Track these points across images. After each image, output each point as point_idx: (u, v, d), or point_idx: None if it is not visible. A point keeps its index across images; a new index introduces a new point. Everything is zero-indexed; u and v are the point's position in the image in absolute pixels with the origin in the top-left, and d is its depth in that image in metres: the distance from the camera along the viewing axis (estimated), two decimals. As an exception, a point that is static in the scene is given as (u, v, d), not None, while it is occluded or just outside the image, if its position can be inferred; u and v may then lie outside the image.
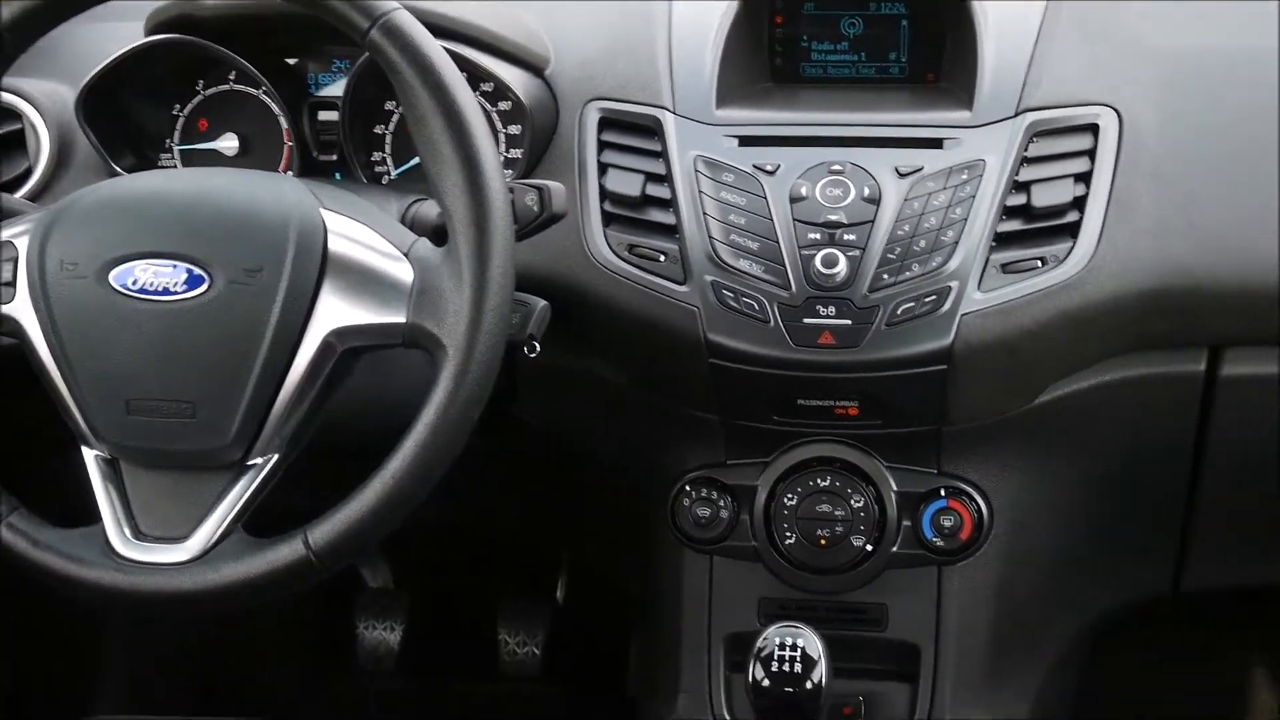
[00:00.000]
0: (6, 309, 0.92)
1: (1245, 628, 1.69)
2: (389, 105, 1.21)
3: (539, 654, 1.70)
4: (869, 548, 1.09)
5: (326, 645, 1.81)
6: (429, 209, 1.00)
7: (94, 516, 0.94)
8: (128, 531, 0.91)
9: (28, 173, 1.21)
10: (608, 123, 1.10)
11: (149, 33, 1.18)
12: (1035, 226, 1.02)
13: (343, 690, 1.65)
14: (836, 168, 1.03)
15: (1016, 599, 1.20)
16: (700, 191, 1.04)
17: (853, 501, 1.09)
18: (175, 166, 1.27)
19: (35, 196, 1.20)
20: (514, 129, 1.15)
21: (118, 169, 1.20)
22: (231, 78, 1.24)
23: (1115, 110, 1.06)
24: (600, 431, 1.26)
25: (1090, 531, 1.24)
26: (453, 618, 1.81)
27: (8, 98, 1.16)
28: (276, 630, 1.73)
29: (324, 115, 1.23)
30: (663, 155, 1.07)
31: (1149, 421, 1.16)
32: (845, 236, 1.01)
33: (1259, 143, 1.12)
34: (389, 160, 1.21)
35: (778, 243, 1.01)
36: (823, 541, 1.09)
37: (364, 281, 0.89)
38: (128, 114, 1.23)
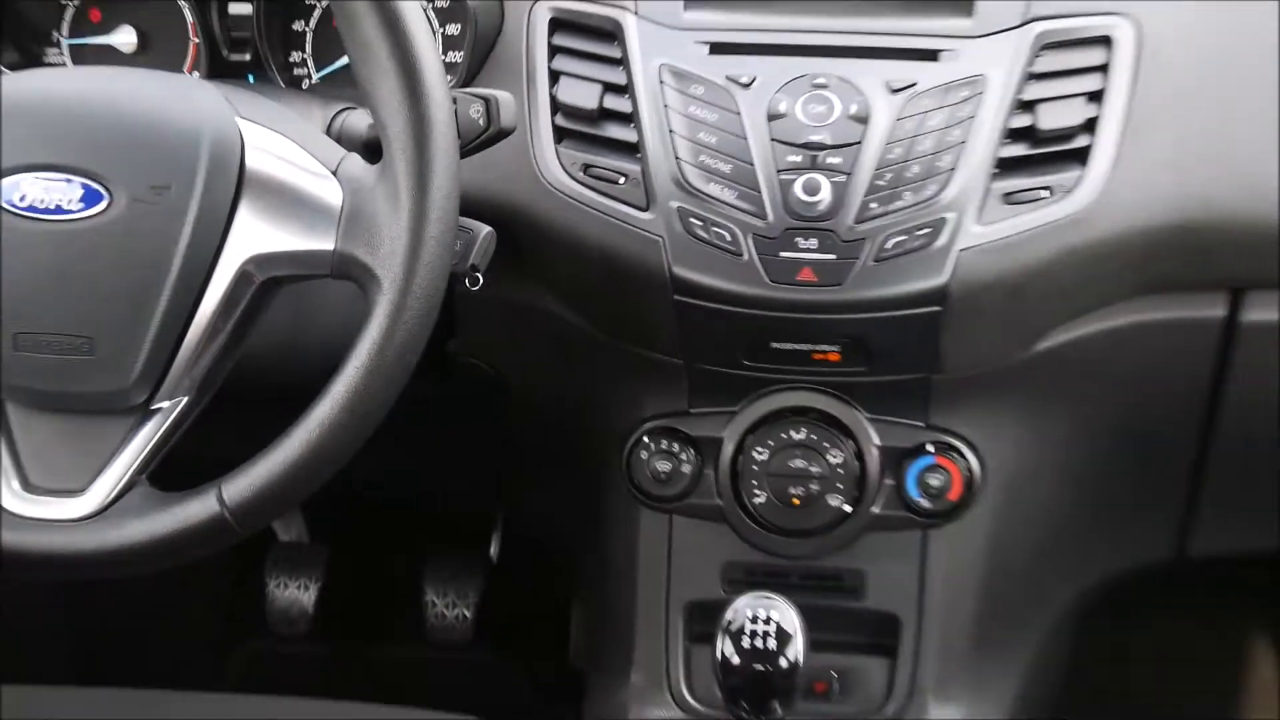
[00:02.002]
0: None
1: (1246, 596, 1.62)
2: (309, 0, 1.13)
3: (470, 617, 1.58)
4: (847, 508, 1.02)
5: (232, 606, 1.71)
6: (358, 119, 0.91)
7: None
8: (16, 484, 0.83)
9: None
10: (560, 24, 1.01)
11: None
12: (1042, 152, 0.93)
13: (250, 656, 1.55)
14: (820, 81, 0.94)
15: (1008, 566, 1.12)
16: (666, 105, 0.95)
17: (830, 457, 1.01)
18: (64, 64, 1.16)
19: None
20: (453, 28, 1.07)
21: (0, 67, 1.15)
22: None
23: (1133, 20, 0.97)
24: (548, 374, 1.16)
25: (1090, 492, 1.16)
26: (374, 576, 1.70)
27: None
28: (173, 588, 1.61)
29: (235, 9, 1.13)
30: (623, 63, 0.98)
31: (1161, 371, 1.08)
32: (829, 160, 0.91)
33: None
34: (310, 62, 1.11)
35: (753, 165, 0.92)
36: (795, 501, 1.01)
37: (286, 203, 0.80)
38: (7, 3, 1.16)
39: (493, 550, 1.63)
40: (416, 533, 1.69)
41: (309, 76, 1.11)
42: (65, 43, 1.16)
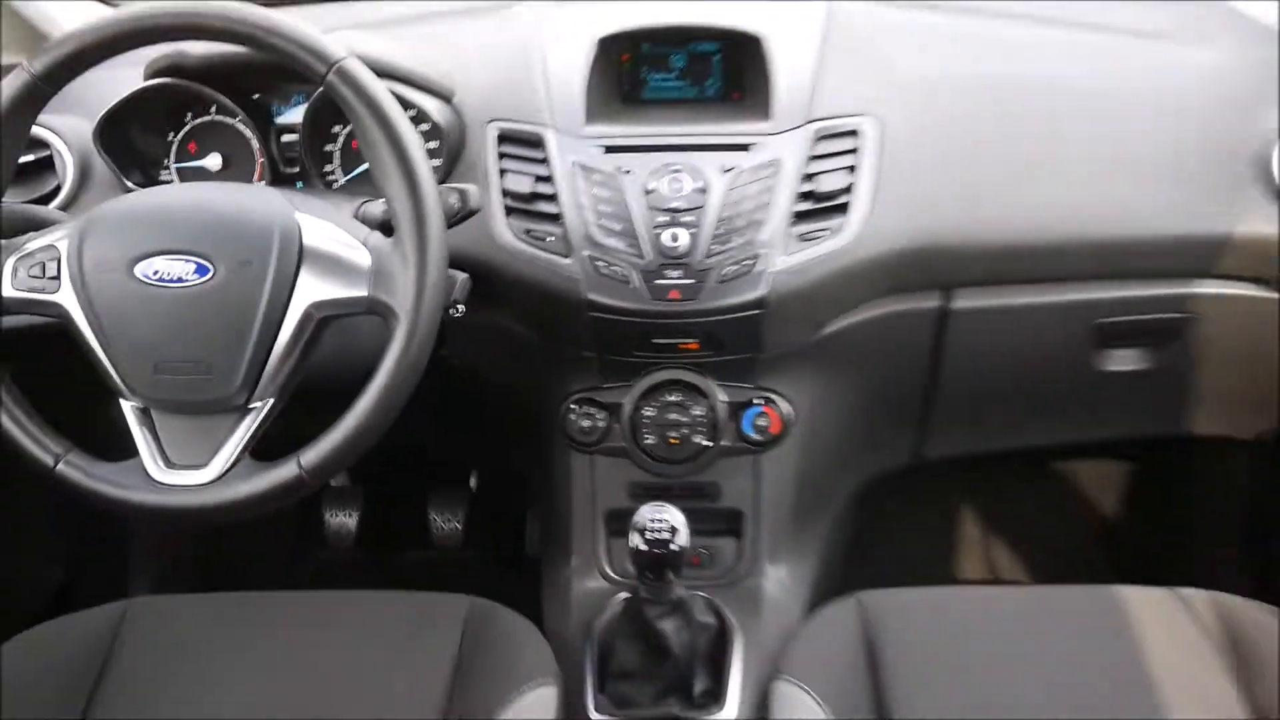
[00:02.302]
0: (53, 297, 1.04)
1: (960, 484, 1.96)
2: (335, 129, 1.33)
3: (460, 528, 1.90)
4: (706, 444, 1.29)
5: (300, 530, 1.97)
6: (374, 207, 1.12)
7: (132, 452, 1.06)
8: (160, 462, 1.04)
9: (56, 189, 1.32)
10: (504, 138, 1.24)
11: (147, 77, 1.29)
12: (820, 207, 1.19)
13: (316, 565, 1.76)
14: (676, 168, 1.19)
15: (810, 473, 1.39)
16: (577, 188, 1.19)
17: (694, 411, 1.28)
18: (172, 181, 1.37)
19: (64, 208, 1.32)
20: (432, 144, 1.26)
21: (129, 184, 1.31)
22: (213, 110, 1.34)
23: (876, 119, 1.23)
24: (508, 367, 1.39)
25: (861, 423, 1.45)
26: (394, 505, 1.97)
27: (39, 131, 1.26)
28: (268, 520, 1.95)
29: (286, 138, 1.35)
30: (546, 161, 1.21)
31: (902, 343, 1.36)
32: (684, 218, 1.17)
33: (978, 142, 1.31)
34: (339, 170, 1.33)
35: (634, 225, 1.17)
36: (673, 441, 1.29)
37: (333, 266, 1.02)
38: (133, 141, 1.33)
39: (472, 483, 1.94)
40: (422, 474, 1.99)
41: (338, 180, 1.33)
42: (174, 167, 1.36)
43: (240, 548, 1.88)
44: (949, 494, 1.96)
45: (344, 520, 1.93)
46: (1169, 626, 1.20)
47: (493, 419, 1.57)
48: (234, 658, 1.23)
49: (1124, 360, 1.41)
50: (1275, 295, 1.33)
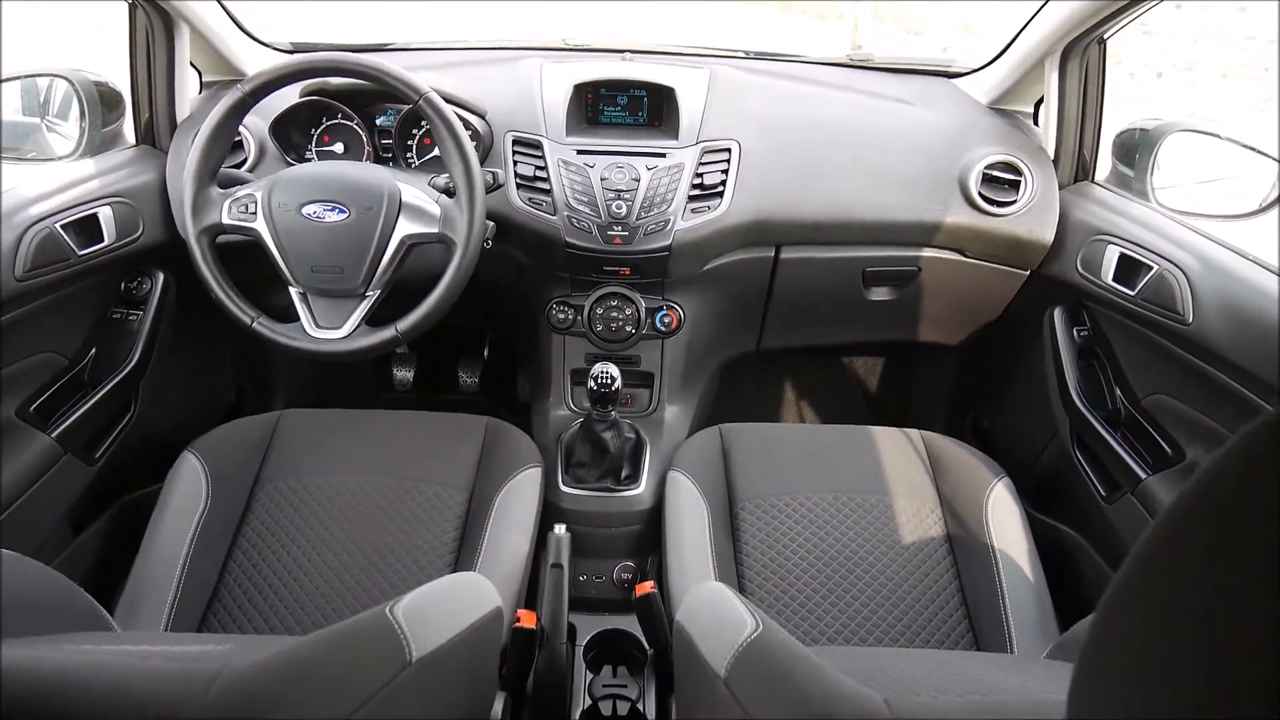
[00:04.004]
0: (252, 224, 1.26)
1: (785, 369, 2.22)
2: (414, 131, 1.56)
3: (477, 381, 2.17)
4: (633, 330, 1.57)
5: (379, 376, 2.19)
6: (440, 180, 1.32)
7: (294, 319, 1.28)
8: (312, 324, 1.27)
9: (243, 161, 1.53)
10: (516, 142, 1.48)
11: (301, 95, 1.52)
12: (705, 193, 1.47)
13: (387, 398, 1.85)
14: (621, 165, 1.47)
15: (693, 351, 1.66)
16: (560, 174, 1.45)
17: (626, 311, 1.55)
18: (314, 160, 1.56)
19: (251, 170, 1.52)
20: (474, 143, 1.45)
21: (288, 160, 1.52)
22: (339, 117, 1.56)
23: (738, 142, 1.50)
24: (515, 280, 1.59)
25: (723, 323, 1.69)
26: (436, 364, 2.18)
27: (240, 128, 1.40)
28: (358, 369, 2.00)
29: (383, 140, 1.57)
30: (542, 157, 1.46)
31: (749, 276, 1.61)
32: (625, 195, 1.44)
33: (796, 158, 1.56)
34: (415, 157, 1.55)
35: (596, 198, 1.44)
36: (614, 328, 1.57)
37: (418, 213, 1.26)
38: (290, 134, 1.54)
39: (485, 353, 2.20)
40: (453, 346, 2.23)
41: (414, 163, 1.55)
42: (314, 150, 1.58)
43: (343, 388, 2.06)
44: (776, 372, 2.19)
45: (404, 374, 2.14)
46: (899, 449, 1.52)
47: (503, 311, 1.76)
48: (345, 446, 1.41)
49: (880, 294, 1.71)
50: (966, 259, 1.66)
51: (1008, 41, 1.75)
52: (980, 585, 1.30)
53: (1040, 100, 1.77)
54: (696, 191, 1.47)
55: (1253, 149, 1.64)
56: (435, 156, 1.50)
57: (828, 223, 1.57)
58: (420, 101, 1.24)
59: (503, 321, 1.84)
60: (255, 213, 1.27)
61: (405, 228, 1.25)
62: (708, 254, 1.54)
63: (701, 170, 1.49)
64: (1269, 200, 1.63)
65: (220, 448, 1.39)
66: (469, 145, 1.26)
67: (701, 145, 1.50)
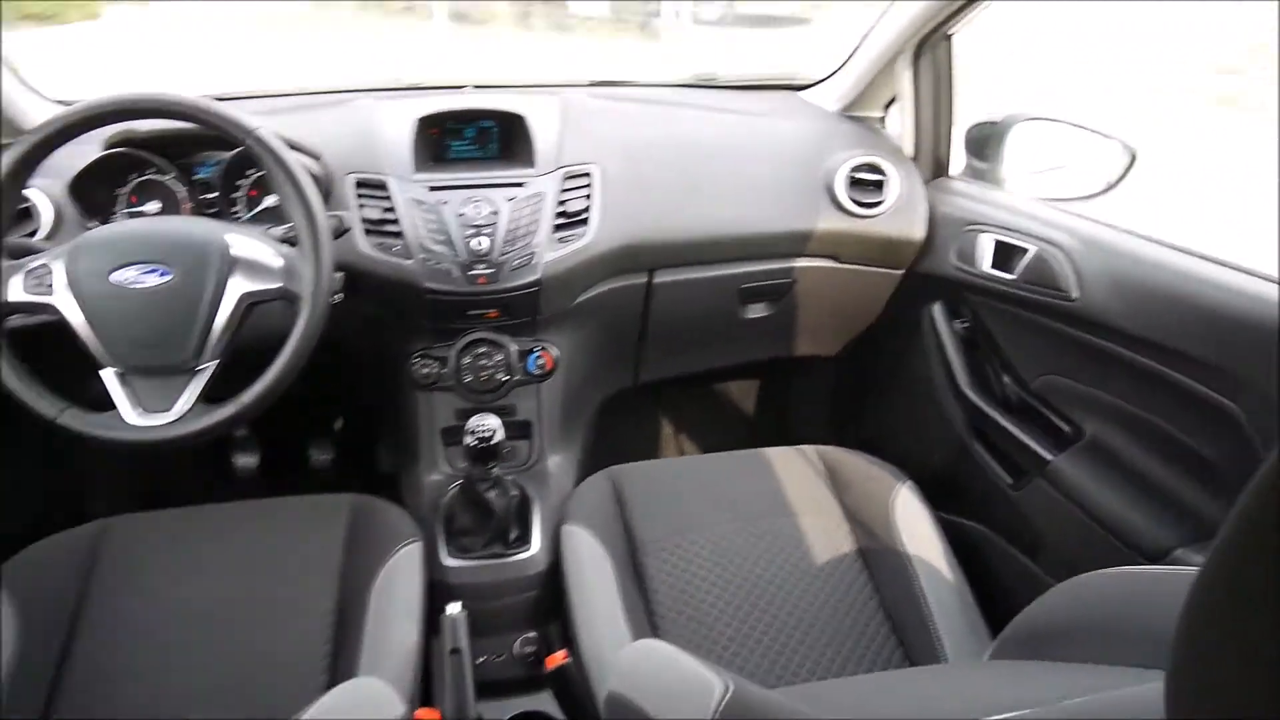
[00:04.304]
0: (50, 300, 1.12)
1: (665, 402, 2.22)
2: (240, 182, 1.44)
3: (331, 456, 2.01)
4: (505, 378, 1.48)
5: (216, 467, 1.99)
6: (278, 231, 1.24)
7: (110, 407, 1.14)
8: (136, 410, 1.14)
9: (34, 231, 1.36)
10: (359, 184, 1.40)
11: (104, 147, 1.37)
12: (570, 221, 1.42)
13: (227, 490, 1.65)
14: (477, 199, 1.39)
15: (571, 393, 1.59)
16: (412, 214, 1.37)
17: (496, 357, 1.46)
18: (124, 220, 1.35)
19: (47, 240, 1.34)
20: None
21: (88, 225, 1.35)
22: (151, 171, 1.42)
23: (599, 166, 1.46)
24: (369, 337, 1.50)
25: (600, 359, 1.64)
26: (282, 444, 2.02)
27: (26, 191, 1.26)
28: (191, 461, 1.86)
29: (205, 195, 1.44)
30: (389, 198, 1.39)
31: (623, 306, 1.57)
32: (484, 231, 1.37)
33: (659, 178, 1.54)
34: (243, 210, 1.44)
35: (453, 236, 1.36)
36: (484, 378, 1.47)
37: (255, 267, 1.15)
38: (93, 194, 1.39)
39: (338, 424, 2.05)
40: (301, 423, 2.05)
41: (242, 217, 1.43)
42: (121, 211, 1.42)
43: (175, 485, 1.87)
44: (652, 407, 2.18)
45: (247, 460, 1.97)
46: (796, 468, 1.50)
47: (356, 374, 1.68)
48: (185, 552, 1.29)
49: (757, 311, 1.69)
50: (841, 265, 1.65)
51: (851, 50, 1.78)
52: (901, 596, 1.29)
53: (890, 104, 1.80)
54: (561, 220, 1.43)
55: (1095, 131, 1.68)
56: (268, 208, 1.39)
57: (699, 241, 1.55)
58: (249, 140, 1.14)
59: (356, 386, 1.75)
60: (53, 286, 1.13)
61: (241, 285, 1.14)
62: (579, 286, 1.49)
63: (564, 197, 1.44)
64: (1115, 179, 1.68)
65: (27, 574, 1.23)
66: (309, 185, 1.17)
67: (561, 171, 1.46)
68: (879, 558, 1.34)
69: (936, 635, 1.24)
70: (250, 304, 1.16)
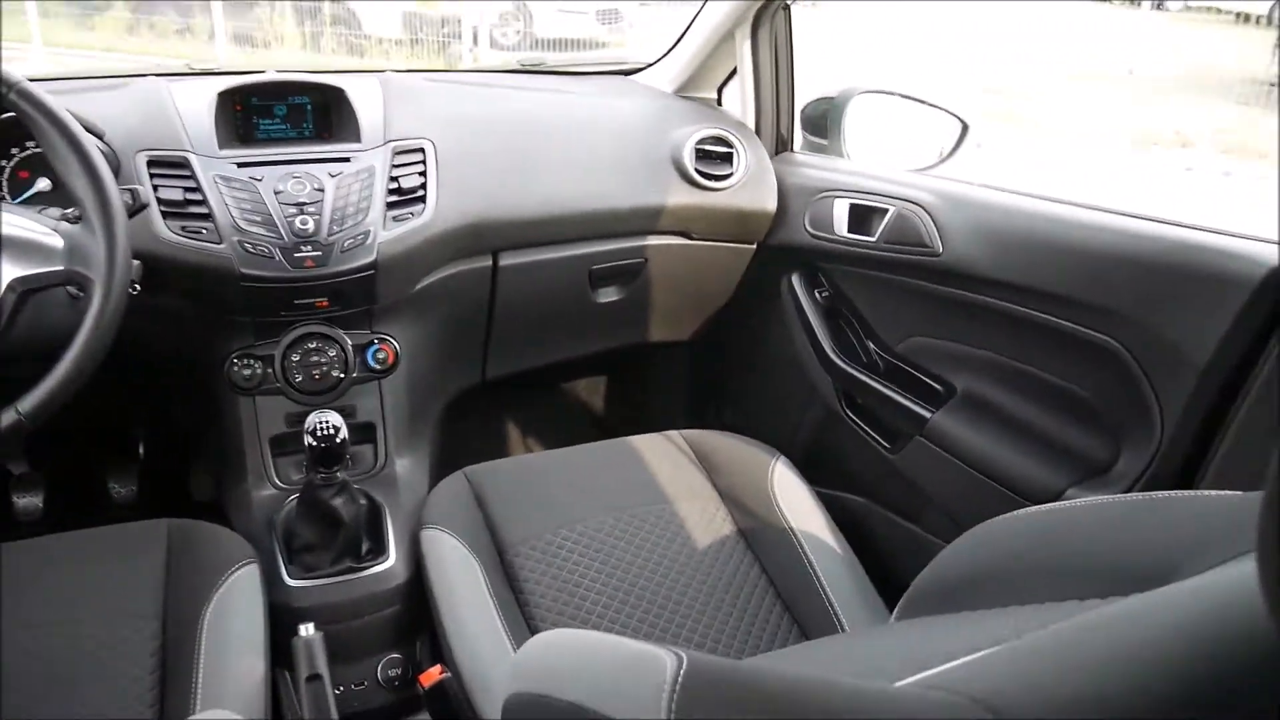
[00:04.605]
0: None
1: (515, 400, 2.11)
2: (1, 163, 1.30)
3: (134, 490, 1.82)
4: (341, 375, 1.38)
5: None
6: (53, 213, 1.10)
7: None
8: None
9: None
10: (153, 163, 1.28)
11: None
12: (405, 198, 1.34)
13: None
14: (297, 175, 1.31)
15: (416, 390, 1.50)
16: (221, 194, 1.27)
17: (330, 353, 1.37)
18: None
19: None
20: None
21: None
22: None
23: (431, 142, 1.40)
24: (175, 339, 1.39)
25: (445, 352, 1.55)
26: (73, 479, 1.83)
27: None
28: None
29: None
30: (193, 177, 1.28)
31: (468, 292, 1.50)
32: (308, 209, 1.28)
33: (498, 153, 1.48)
34: (8, 195, 1.31)
35: (272, 215, 1.27)
36: (317, 376, 1.37)
37: (27, 248, 1.02)
38: None
39: (140, 448, 1.85)
40: (95, 451, 1.85)
41: (6, 199, 1.30)
42: None
43: None
44: (500, 406, 2.12)
45: (30, 500, 1.77)
46: (664, 453, 1.46)
47: (160, 386, 1.53)
48: None
49: (609, 294, 1.65)
50: (693, 242, 1.62)
51: (683, 30, 1.76)
52: (791, 573, 1.26)
53: (725, 84, 1.80)
54: (395, 198, 1.34)
55: (929, 103, 1.72)
56: (41, 192, 1.24)
57: (545, 219, 1.49)
58: (11, 96, 0.99)
59: (162, 399, 1.58)
60: None
61: (10, 270, 0.99)
62: (419, 269, 1.40)
63: (396, 173, 1.36)
64: (949, 150, 1.72)
65: None
66: (92, 147, 1.03)
67: (391, 146, 1.37)
68: (762, 536, 1.31)
69: (833, 608, 1.21)
70: (24, 292, 1.00)
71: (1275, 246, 1.00)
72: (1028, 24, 9.12)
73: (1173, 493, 0.64)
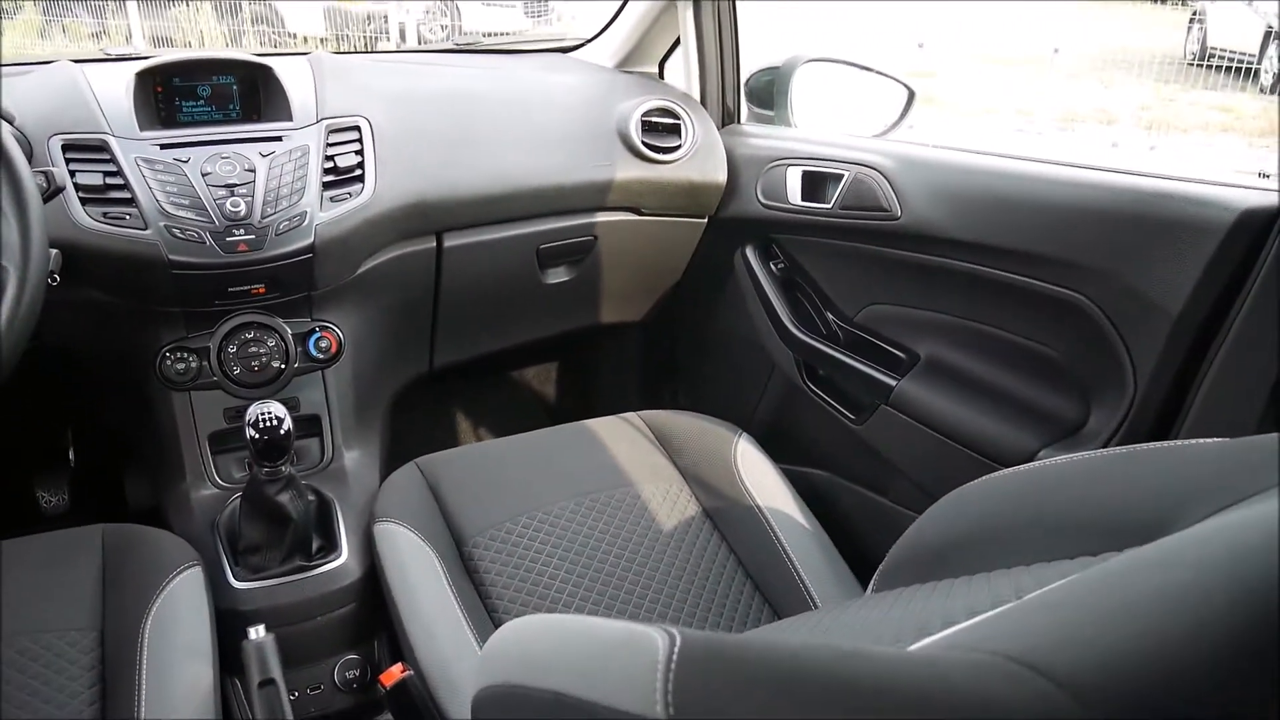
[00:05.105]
0: None
1: (464, 389, 2.06)
2: None
3: (66, 496, 1.73)
4: (282, 366, 1.34)
5: None
6: None
7: None
8: None
9: None
10: (67, 146, 1.23)
11: None
12: (342, 177, 1.31)
13: None
14: (226, 155, 1.26)
15: (362, 379, 1.46)
16: (144, 177, 1.22)
17: (269, 343, 1.33)
18: None
19: None
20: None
21: None
22: None
23: (367, 119, 1.36)
24: (100, 335, 1.34)
25: (391, 339, 1.52)
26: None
27: None
28: None
29: None
30: (113, 160, 1.23)
31: (412, 275, 1.47)
32: (239, 190, 1.24)
33: (438, 130, 1.44)
34: None
35: (201, 198, 1.23)
36: (256, 368, 1.33)
37: None
38: None
39: (70, 453, 1.77)
40: (22, 458, 1.76)
41: None
42: None
43: None
44: (450, 396, 2.08)
45: None
46: (623, 434, 1.43)
47: (88, 382, 1.46)
48: None
49: (558, 275, 1.62)
50: (644, 217, 1.60)
51: (619, 6, 1.74)
52: (760, 551, 1.23)
53: (666, 58, 1.78)
54: (332, 178, 1.30)
55: (875, 71, 1.70)
56: None
57: (490, 196, 1.45)
58: None
59: (92, 400, 1.51)
60: None
61: None
62: (360, 252, 1.35)
63: (331, 152, 1.31)
64: (897, 117, 1.71)
65: None
66: (9, 139, 0.98)
67: (325, 123, 1.33)
68: (729, 515, 1.28)
69: (804, 585, 1.17)
70: None
71: (1244, 191, 0.98)
72: (951, 10, 9.27)
73: (1154, 444, 0.62)
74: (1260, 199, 0.97)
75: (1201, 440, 0.60)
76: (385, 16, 7.41)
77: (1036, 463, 0.71)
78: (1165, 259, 1.02)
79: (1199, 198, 1.01)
